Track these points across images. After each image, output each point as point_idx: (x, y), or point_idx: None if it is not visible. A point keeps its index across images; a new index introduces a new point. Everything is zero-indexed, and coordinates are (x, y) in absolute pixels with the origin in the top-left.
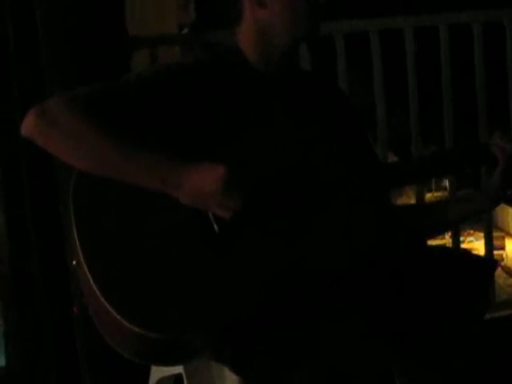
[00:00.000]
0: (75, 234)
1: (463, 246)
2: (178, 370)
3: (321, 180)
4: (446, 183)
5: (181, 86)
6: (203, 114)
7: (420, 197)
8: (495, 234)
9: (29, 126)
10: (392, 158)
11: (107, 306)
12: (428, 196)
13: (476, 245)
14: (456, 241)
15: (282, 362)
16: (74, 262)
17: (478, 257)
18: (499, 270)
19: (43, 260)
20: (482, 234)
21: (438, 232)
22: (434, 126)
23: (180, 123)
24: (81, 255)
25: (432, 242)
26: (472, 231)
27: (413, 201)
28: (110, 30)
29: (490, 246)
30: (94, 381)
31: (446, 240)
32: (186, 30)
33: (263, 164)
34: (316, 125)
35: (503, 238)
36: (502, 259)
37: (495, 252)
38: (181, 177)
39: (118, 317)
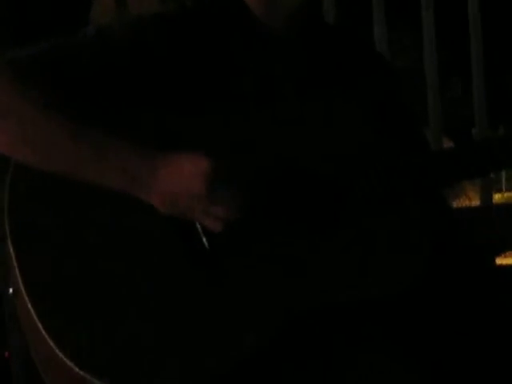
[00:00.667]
0: (12, 253)
1: None
2: None
3: (345, 179)
4: None
5: (158, 47)
6: (187, 83)
7: (486, 198)
8: None
9: None
10: (447, 144)
11: (54, 347)
12: (497, 197)
13: None
14: None
15: None
16: (11, 291)
17: None
18: None
19: None
20: None
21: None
22: (504, 102)
23: (155, 97)
24: (20, 282)
25: (502, 261)
26: None
27: (476, 203)
28: None
29: None
30: None
31: None
32: None
33: (266, 155)
34: (341, 101)
35: None
36: None
37: None
38: (154, 172)
39: (70, 363)
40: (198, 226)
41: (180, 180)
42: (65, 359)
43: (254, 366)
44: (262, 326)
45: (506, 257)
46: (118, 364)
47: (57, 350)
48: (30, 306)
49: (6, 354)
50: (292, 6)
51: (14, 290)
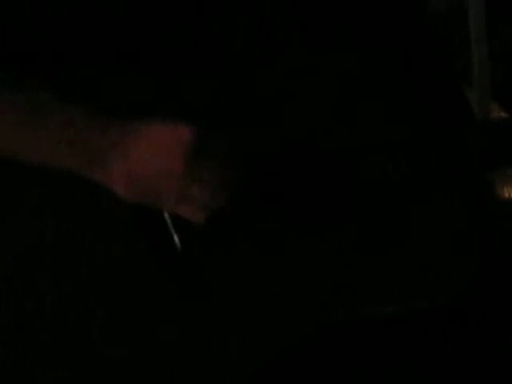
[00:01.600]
0: None
1: None
2: None
3: (365, 161)
4: None
5: None
6: (170, 40)
7: None
8: None
9: None
10: (497, 114)
11: None
12: None
13: None
14: None
15: None
16: None
17: None
18: None
19: None
20: None
21: None
22: None
23: (123, 46)
24: None
25: None
26: None
27: None
28: None
29: None
30: None
31: None
32: None
33: (266, 126)
34: (356, 54)
35: None
36: None
37: None
38: (119, 146)
39: None
40: (168, 219)
41: (153, 154)
42: None
43: None
44: (259, 353)
45: None
46: None
47: None
48: None
49: None
50: None
51: None
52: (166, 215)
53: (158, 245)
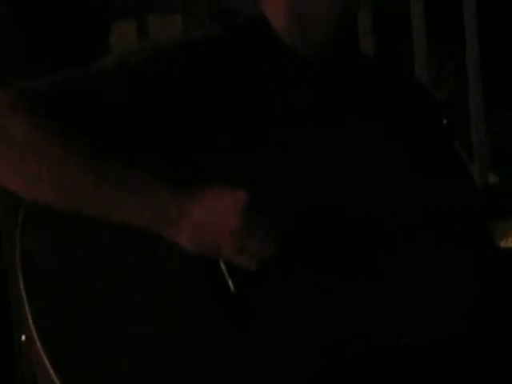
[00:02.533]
0: (25, 300)
1: None
2: None
3: (383, 217)
4: None
5: (183, 75)
6: (215, 114)
7: None
8: None
9: None
10: (493, 180)
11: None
12: None
13: None
14: None
15: None
16: (24, 338)
17: None
18: None
19: None
20: None
21: None
22: None
23: (182, 129)
24: (33, 330)
25: None
26: None
27: None
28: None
29: None
30: None
31: None
32: None
33: (297, 189)
34: (375, 134)
35: None
36: None
37: None
38: (182, 207)
39: None
40: (224, 268)
41: (215, 214)
42: None
43: None
44: (294, 377)
45: None
46: None
47: None
48: (43, 355)
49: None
50: (322, 37)
51: (26, 338)
52: (222, 263)
53: (217, 287)
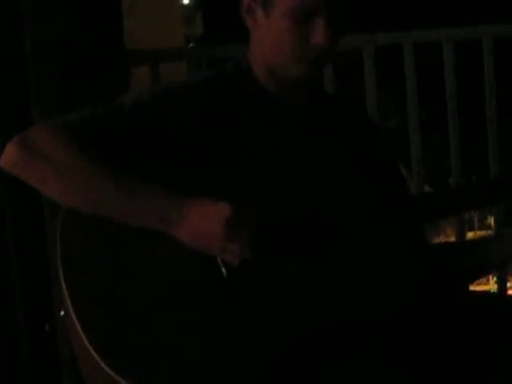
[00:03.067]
0: (62, 280)
1: (510, 292)
2: None
3: (340, 218)
4: (491, 220)
5: (185, 111)
6: (207, 141)
7: (460, 235)
8: None
9: (9, 157)
10: (428, 190)
11: (97, 358)
12: (470, 235)
13: None
14: (502, 286)
15: None
16: (62, 313)
17: None
18: None
19: (24, 283)
20: None
21: (481, 274)
22: (477, 155)
23: (181, 152)
24: (69, 306)
25: (474, 287)
26: None
27: (452, 239)
28: (103, 46)
29: None
30: None
31: (491, 285)
32: (192, 44)
33: (274, 201)
34: (335, 156)
35: None
36: None
37: None
38: (181, 214)
39: (110, 372)
40: (218, 259)
41: (205, 221)
42: (114, 375)
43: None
44: (274, 342)
45: (477, 284)
46: (142, 367)
47: (106, 367)
48: (77, 326)
49: (47, 327)
50: (293, 88)
51: (64, 312)
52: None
53: (212, 272)
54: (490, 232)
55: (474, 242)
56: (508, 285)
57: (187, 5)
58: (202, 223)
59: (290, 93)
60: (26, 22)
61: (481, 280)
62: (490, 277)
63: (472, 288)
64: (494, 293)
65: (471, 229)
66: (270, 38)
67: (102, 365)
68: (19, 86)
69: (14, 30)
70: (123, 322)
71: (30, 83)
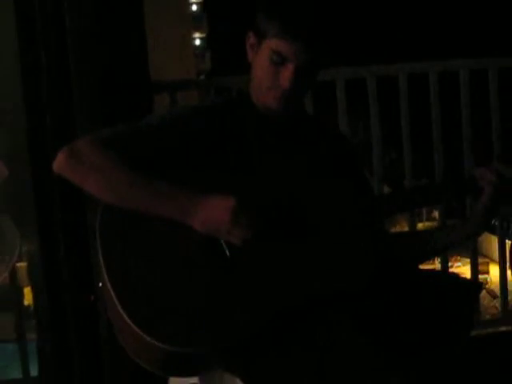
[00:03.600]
0: (101, 259)
1: (451, 270)
2: (194, 380)
3: (318, 210)
4: (436, 214)
5: (196, 127)
6: (215, 150)
7: (412, 226)
8: (480, 260)
9: (60, 163)
10: (387, 190)
11: (130, 323)
12: (419, 225)
13: (463, 269)
14: (444, 266)
15: (286, 369)
16: (100, 284)
17: (464, 280)
18: (484, 293)
19: (70, 262)
20: (468, 260)
21: (428, 257)
22: (426, 162)
23: (195, 158)
24: (106, 278)
25: (423, 266)
26: (459, 257)
27: (406, 229)
28: (133, 76)
29: (475, 270)
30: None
31: (436, 265)
32: (202, 76)
33: (269, 198)
34: (312, 160)
35: (487, 263)
36: (487, 283)
37: (480, 276)
38: (196, 206)
39: (142, 333)
40: (223, 242)
41: (214, 211)
42: (139, 331)
43: (264, 334)
44: (267, 305)
45: (425, 264)
46: (175, 333)
47: (132, 325)
48: (112, 294)
49: (92, 297)
50: (280, 111)
51: (102, 284)
52: (222, 240)
53: (218, 253)
54: (435, 223)
55: (423, 231)
56: (449, 264)
57: (199, 45)
58: (212, 213)
59: (275, 116)
60: (72, 56)
61: (428, 261)
62: (436, 258)
63: (421, 267)
64: (438, 270)
65: (420, 221)
66: (255, 72)
67: (130, 323)
68: (68, 108)
69: (63, 65)
70: (148, 288)
71: (75, 104)
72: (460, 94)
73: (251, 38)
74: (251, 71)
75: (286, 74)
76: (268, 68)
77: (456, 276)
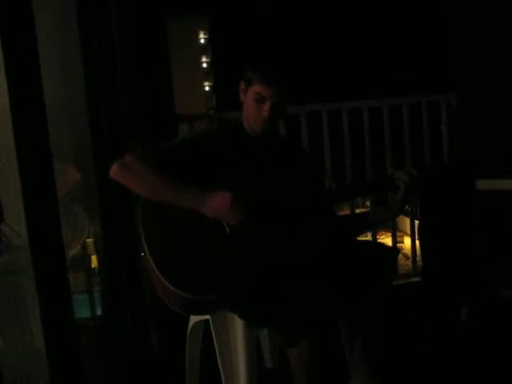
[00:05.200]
0: (142, 235)
1: (379, 241)
2: (207, 317)
3: (293, 202)
4: (368, 202)
5: (206, 145)
6: (218, 161)
7: (352, 210)
8: (398, 233)
9: (114, 172)
10: (334, 187)
11: (161, 277)
12: (357, 210)
13: (386, 240)
14: (374, 237)
15: (268, 308)
16: (142, 254)
17: (388, 246)
18: (400, 255)
19: (122, 238)
20: (389, 234)
21: (363, 231)
22: (361, 166)
23: (205, 168)
24: (146, 249)
25: (360, 238)
26: (384, 232)
27: (348, 213)
28: (162, 109)
29: (394, 240)
30: (156, 323)
31: (368, 237)
32: (211, 111)
33: (255, 193)
34: (288, 169)
35: (403, 236)
36: (402, 249)
37: (398, 244)
38: (206, 200)
39: (168, 284)
40: (225, 224)
41: (218, 203)
42: (167, 283)
43: (254, 284)
44: (257, 265)
45: (361, 236)
46: (192, 284)
47: (163, 279)
48: (149, 258)
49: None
50: (261, 134)
51: (144, 253)
52: (224, 222)
53: (222, 229)
54: (368, 209)
55: (359, 214)
56: (377, 236)
57: (208, 90)
58: (217, 204)
59: (259, 137)
60: (122, 99)
61: (363, 234)
62: (368, 233)
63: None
64: (370, 240)
65: (357, 206)
66: (246, 107)
67: (160, 277)
68: (120, 131)
69: (117, 104)
70: (173, 254)
71: (125, 134)
72: (384, 124)
73: (242, 85)
74: (243, 107)
75: (266, 108)
76: (254, 105)
77: (382, 244)
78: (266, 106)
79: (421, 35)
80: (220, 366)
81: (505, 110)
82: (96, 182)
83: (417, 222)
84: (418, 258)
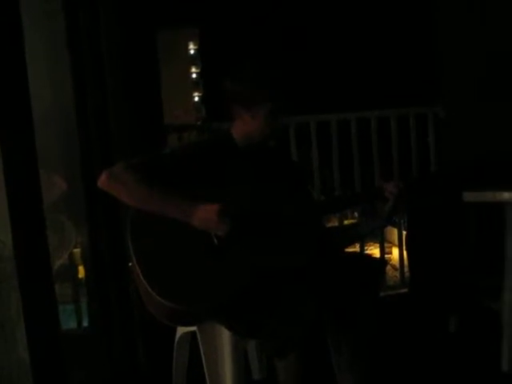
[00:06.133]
0: (130, 246)
1: (366, 252)
2: (194, 328)
3: (280, 212)
4: (356, 213)
5: (194, 156)
6: (207, 172)
7: (340, 222)
8: (386, 244)
9: (102, 181)
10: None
11: (148, 288)
12: (345, 222)
13: (374, 251)
14: (362, 249)
15: (256, 319)
16: (130, 264)
17: (375, 258)
18: (388, 266)
19: (109, 248)
20: (378, 245)
21: (351, 243)
22: (350, 179)
23: (194, 179)
24: (134, 259)
25: (347, 249)
26: (372, 243)
27: (336, 224)
28: (151, 120)
29: (382, 251)
30: (143, 335)
31: (356, 248)
32: (200, 122)
33: (243, 204)
34: (276, 180)
35: (391, 247)
36: (390, 260)
37: (386, 255)
38: (193, 210)
39: (155, 295)
40: (213, 234)
41: (206, 213)
42: (154, 294)
43: (241, 295)
44: (244, 276)
45: (349, 248)
46: (178, 296)
47: (150, 289)
48: (137, 269)
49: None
50: (254, 142)
51: (132, 263)
52: (212, 232)
53: (209, 240)
54: (356, 220)
55: (347, 225)
56: (365, 248)
57: (197, 101)
58: (205, 214)
59: (252, 148)
60: (110, 110)
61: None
62: (356, 244)
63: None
64: (357, 252)
65: (346, 218)
66: (256, 125)
67: (148, 287)
68: (109, 142)
69: (106, 114)
70: (160, 265)
71: (114, 139)
72: (371, 137)
73: (238, 105)
74: (237, 122)
75: (280, 122)
76: (269, 122)
77: (369, 255)
78: (280, 120)
79: (409, 48)
80: (207, 377)
81: (491, 122)
82: (83, 191)
83: (405, 232)
84: (406, 269)
